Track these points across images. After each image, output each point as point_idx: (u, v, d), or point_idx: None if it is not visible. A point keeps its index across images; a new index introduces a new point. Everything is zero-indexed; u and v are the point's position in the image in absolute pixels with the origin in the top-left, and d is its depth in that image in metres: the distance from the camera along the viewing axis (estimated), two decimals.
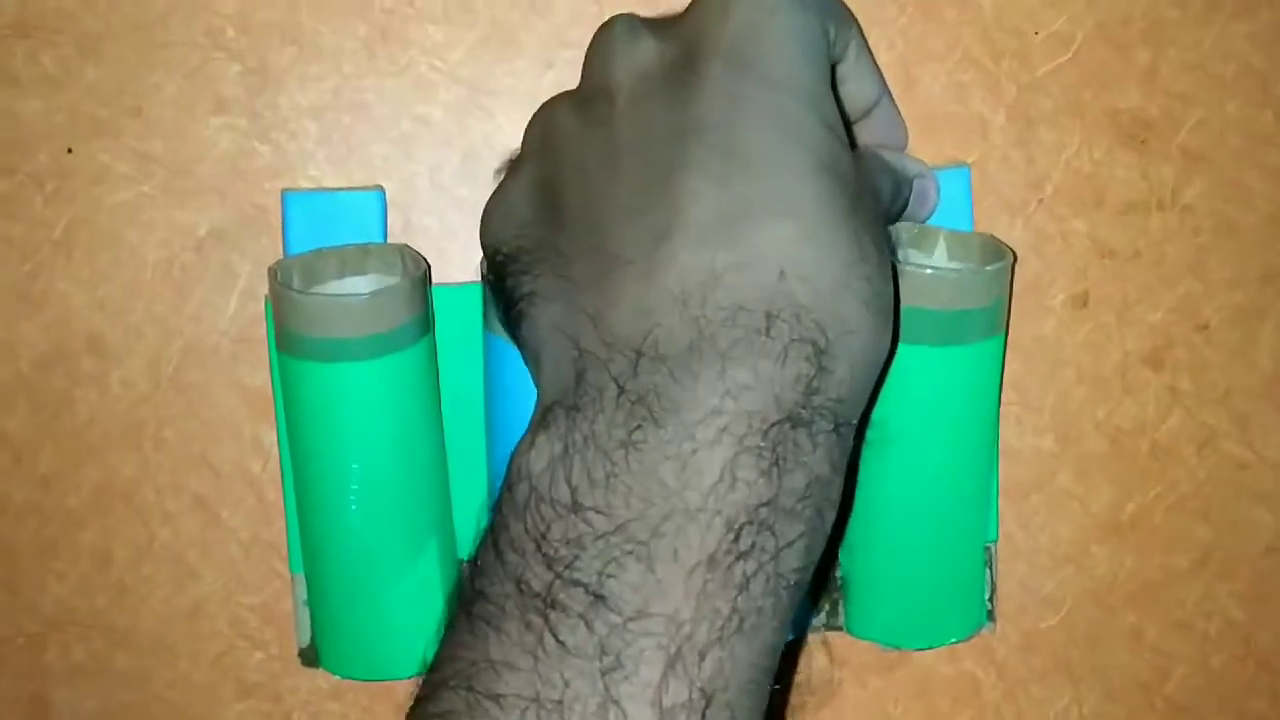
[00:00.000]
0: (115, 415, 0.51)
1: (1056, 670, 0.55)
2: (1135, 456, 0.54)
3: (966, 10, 0.51)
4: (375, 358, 0.44)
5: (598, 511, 0.33)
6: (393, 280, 0.46)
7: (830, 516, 0.35)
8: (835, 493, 0.36)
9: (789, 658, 0.53)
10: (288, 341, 0.45)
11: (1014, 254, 0.48)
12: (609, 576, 0.32)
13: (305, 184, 0.50)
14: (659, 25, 0.40)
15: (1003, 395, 0.52)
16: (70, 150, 0.49)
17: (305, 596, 0.50)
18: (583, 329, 0.36)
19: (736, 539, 0.32)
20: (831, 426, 0.34)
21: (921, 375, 0.47)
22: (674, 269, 0.35)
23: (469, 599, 0.35)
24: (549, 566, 0.33)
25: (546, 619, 0.33)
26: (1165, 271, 0.53)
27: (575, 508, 0.33)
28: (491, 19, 0.50)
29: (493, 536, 0.36)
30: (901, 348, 0.46)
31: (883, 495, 0.49)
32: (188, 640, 0.52)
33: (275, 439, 0.50)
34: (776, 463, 0.33)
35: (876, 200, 0.43)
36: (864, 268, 0.35)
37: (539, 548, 0.34)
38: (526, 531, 0.34)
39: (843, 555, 0.51)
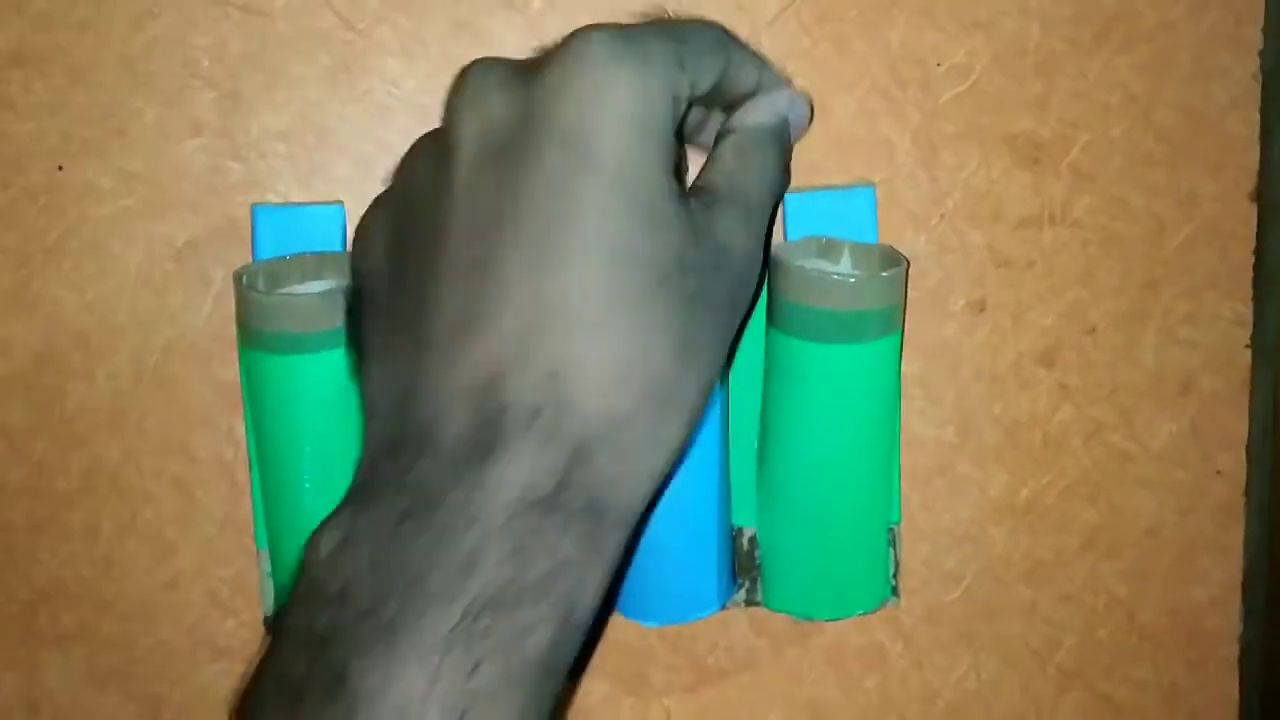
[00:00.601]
0: (102, 406, 0.56)
1: (957, 640, 0.60)
2: (1029, 446, 0.59)
3: (874, 43, 0.56)
4: (324, 351, 0.50)
5: (359, 598, 0.34)
6: (344, 284, 0.51)
7: (587, 599, 0.36)
8: (595, 576, 0.37)
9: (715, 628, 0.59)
10: (250, 337, 0.51)
11: (908, 261, 0.53)
12: (354, 659, 0.34)
13: (273, 199, 0.55)
14: (514, 76, 0.40)
15: (907, 390, 0.58)
16: (61, 168, 0.55)
17: (269, 569, 0.55)
18: (393, 406, 0.39)
19: (474, 621, 0.34)
20: (588, 514, 0.36)
21: (825, 371, 0.52)
22: (467, 363, 0.37)
23: (247, 691, 0.38)
24: (308, 654, 0.35)
25: (297, 710, 0.34)
26: (1056, 280, 0.58)
27: (342, 595, 0.35)
28: (441, 53, 0.55)
29: (276, 625, 0.38)
30: (807, 345, 0.52)
31: (794, 481, 0.55)
32: (167, 609, 0.58)
33: (244, 428, 0.55)
34: (519, 550, 0.34)
35: (716, 263, 0.41)
36: (649, 361, 0.37)
37: (306, 636, 0.35)
38: (301, 620, 0.36)
39: (760, 535, 0.56)
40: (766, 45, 0.55)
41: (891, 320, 0.53)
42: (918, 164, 0.57)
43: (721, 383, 0.53)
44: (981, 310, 0.58)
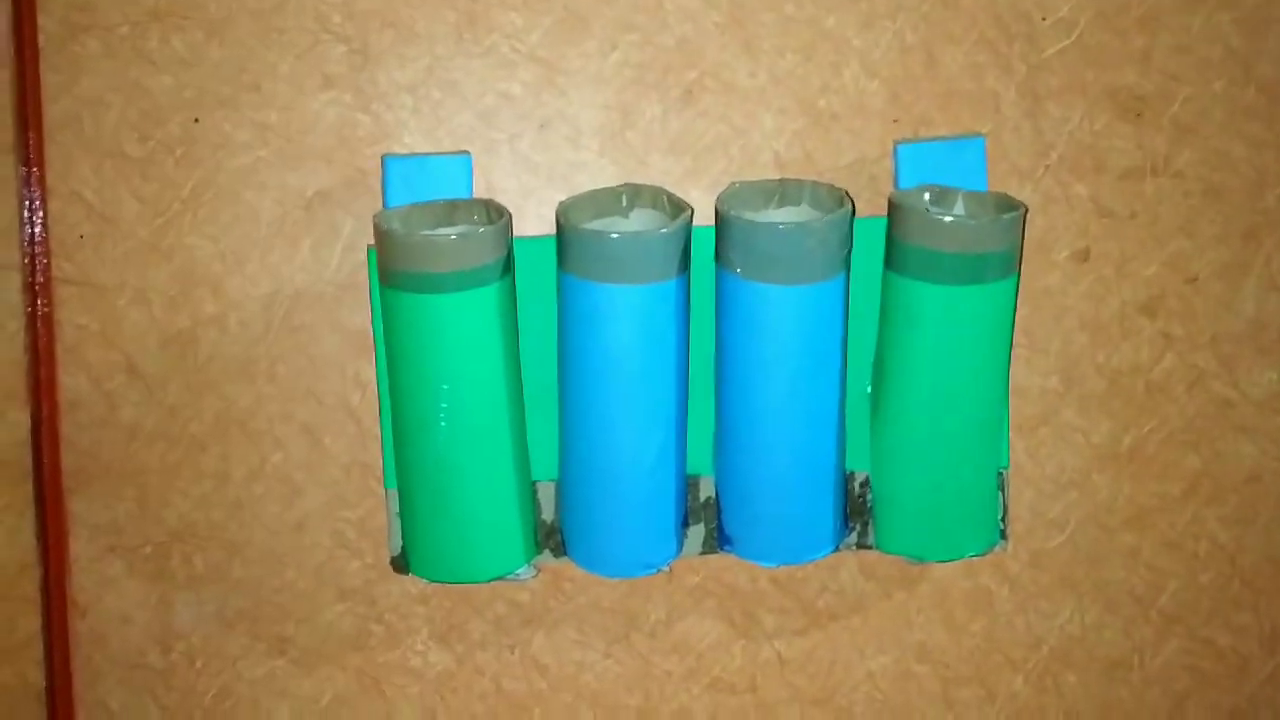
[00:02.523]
0: (233, 353, 0.58)
1: (1061, 585, 0.62)
2: (1132, 395, 0.60)
3: (981, 7, 0.58)
4: (463, 290, 0.52)
5: None
6: (478, 226, 0.53)
7: None
8: None
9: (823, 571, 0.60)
10: (390, 278, 0.52)
11: (1025, 207, 0.54)
12: None
13: (400, 150, 0.57)
14: None
15: (1014, 339, 0.59)
16: (197, 120, 0.57)
17: (397, 510, 0.57)
18: None
19: None
20: None
21: (943, 312, 0.54)
22: None
23: None
24: None
25: None
26: (1159, 230, 0.60)
27: None
28: (564, 5, 0.57)
29: None
30: (926, 287, 0.53)
31: (908, 424, 0.56)
32: (294, 551, 0.59)
33: (373, 374, 0.57)
34: None
35: None
36: None
37: None
38: None
39: (873, 479, 0.58)
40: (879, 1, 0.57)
41: (1009, 264, 0.54)
42: (1023, 116, 0.59)
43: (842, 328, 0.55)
44: (1085, 260, 0.60)
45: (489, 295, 0.53)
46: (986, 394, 0.56)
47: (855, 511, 0.58)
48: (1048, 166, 0.59)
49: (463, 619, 0.60)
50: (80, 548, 0.59)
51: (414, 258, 0.52)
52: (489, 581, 0.57)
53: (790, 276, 0.52)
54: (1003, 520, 0.59)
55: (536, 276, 0.55)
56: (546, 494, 0.57)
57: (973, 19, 0.58)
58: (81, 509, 0.58)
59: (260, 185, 0.57)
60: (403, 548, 0.57)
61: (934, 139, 0.57)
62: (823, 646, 0.61)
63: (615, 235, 0.51)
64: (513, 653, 0.60)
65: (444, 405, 0.53)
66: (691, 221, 0.53)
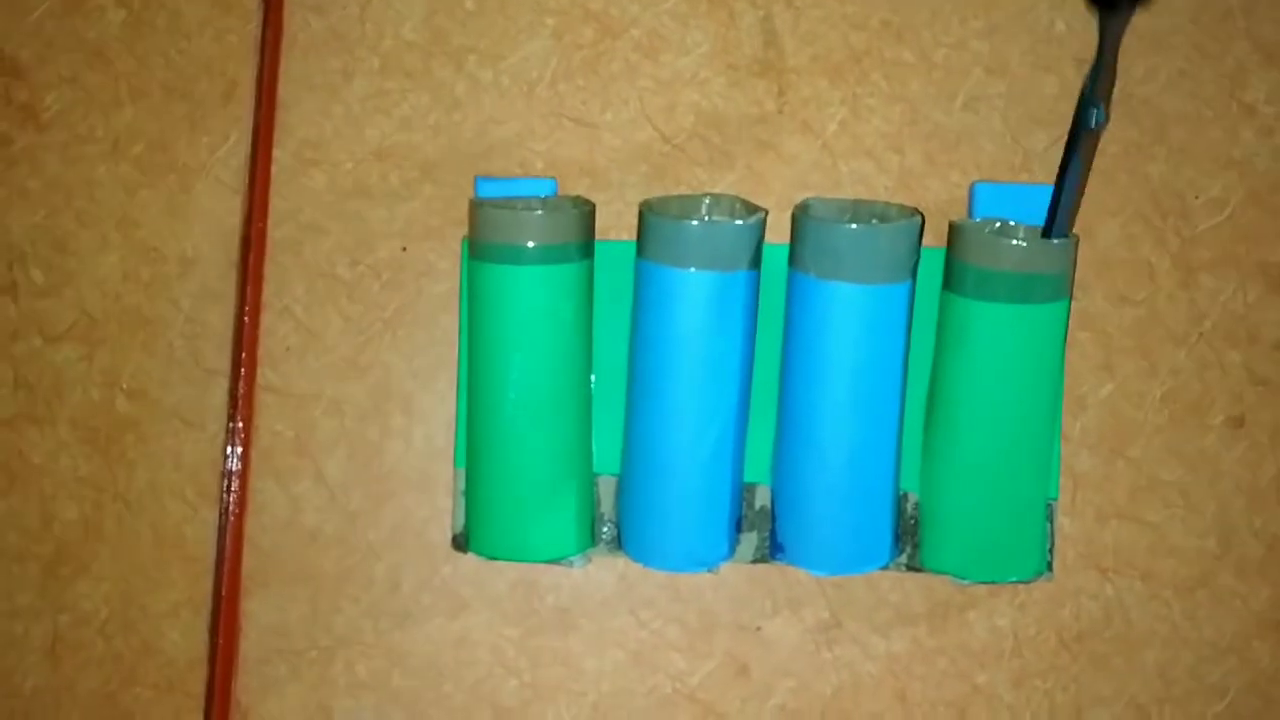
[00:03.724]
0: (415, 466, 0.61)
1: None
2: None
3: (1135, 177, 0.62)
4: (543, 264, 0.56)
5: None
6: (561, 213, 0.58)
7: None
8: None
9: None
10: (477, 250, 0.57)
11: (1078, 238, 0.57)
12: None
13: None
14: None
15: (1168, 498, 0.60)
16: (404, 249, 0.62)
17: (463, 488, 0.59)
18: None
19: None
20: None
21: (996, 329, 0.56)
22: None
23: None
24: None
25: None
26: None
27: None
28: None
29: None
30: (980, 305, 0.56)
31: (959, 443, 0.58)
32: (454, 665, 0.61)
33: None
34: None
35: None
36: None
37: None
38: None
39: (922, 498, 0.59)
40: (1038, 175, 0.61)
41: (1060, 286, 0.57)
42: (1177, 285, 0.61)
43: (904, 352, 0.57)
44: (1240, 426, 0.61)
45: (567, 273, 0.57)
46: (1036, 419, 0.58)
47: (906, 532, 0.59)
48: (1201, 334, 0.61)
49: None
50: (249, 648, 0.61)
51: (500, 229, 0.56)
52: (543, 563, 0.59)
53: (860, 275, 0.55)
54: (1050, 551, 0.59)
55: (616, 277, 0.59)
56: (607, 488, 0.60)
57: (1127, 195, 0.62)
58: (255, 609, 0.61)
59: (456, 310, 0.61)
60: (464, 526, 0.59)
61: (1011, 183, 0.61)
62: None
63: (694, 222, 0.56)
64: None
65: (514, 376, 0.57)
66: (765, 222, 0.57)
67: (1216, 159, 0.62)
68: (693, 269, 0.56)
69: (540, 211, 0.57)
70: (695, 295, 0.56)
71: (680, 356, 0.57)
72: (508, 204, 0.58)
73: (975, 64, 0.62)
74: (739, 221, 0.56)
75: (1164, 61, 0.61)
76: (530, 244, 0.56)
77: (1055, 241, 0.56)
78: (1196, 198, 0.62)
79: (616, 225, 0.61)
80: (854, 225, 0.56)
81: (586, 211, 0.58)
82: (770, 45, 0.62)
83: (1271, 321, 0.61)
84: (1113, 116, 0.54)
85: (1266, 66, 0.62)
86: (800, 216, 0.57)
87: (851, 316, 0.56)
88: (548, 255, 0.56)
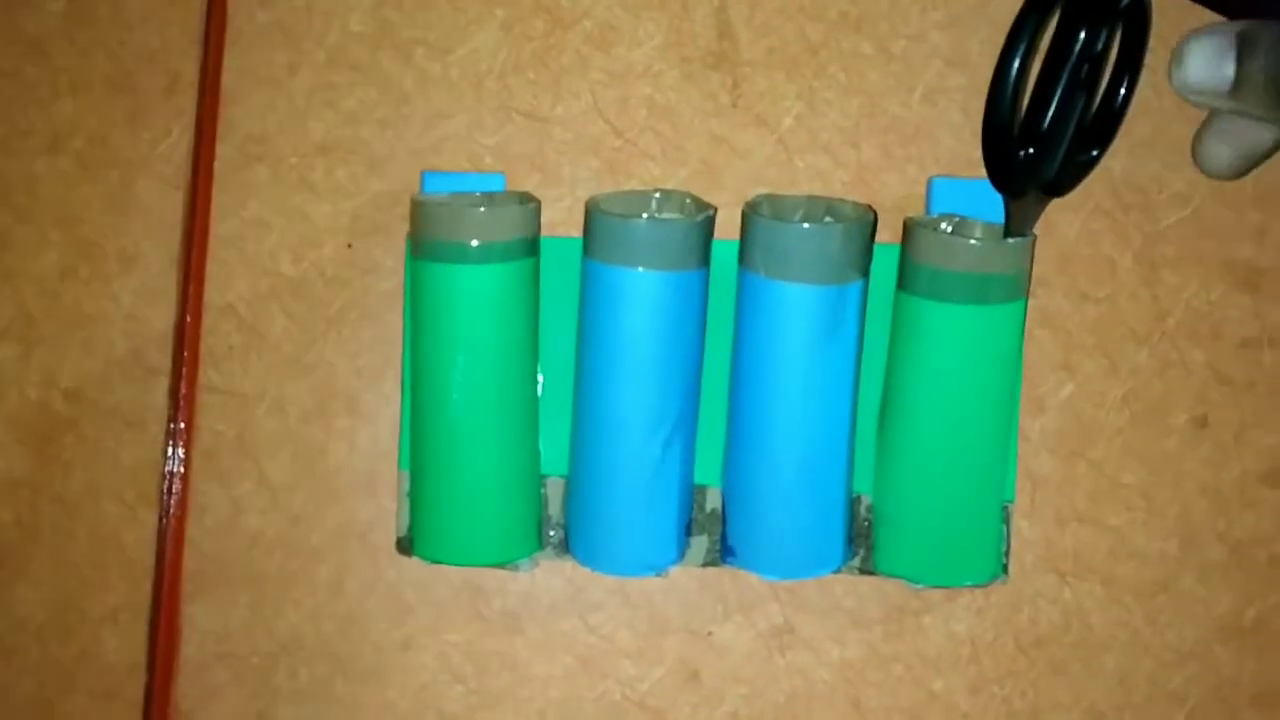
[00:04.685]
0: (360, 467, 0.60)
1: None
2: (1254, 566, 0.59)
3: (1097, 171, 0.60)
4: (487, 263, 0.54)
5: None
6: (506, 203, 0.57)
7: None
8: None
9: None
10: (420, 249, 0.55)
11: (1035, 236, 0.56)
12: None
13: None
14: None
15: (1130, 501, 0.59)
16: (350, 245, 0.60)
17: (407, 490, 0.58)
18: None
19: None
20: None
21: (950, 331, 0.55)
22: None
23: None
24: None
25: None
26: (1278, 400, 0.60)
27: None
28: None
29: None
30: (934, 305, 0.55)
31: (913, 445, 0.57)
32: (398, 671, 0.59)
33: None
34: None
35: None
36: None
37: None
38: None
39: (875, 500, 0.58)
40: None
41: (1017, 286, 0.55)
42: (1139, 282, 0.60)
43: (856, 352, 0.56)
44: (1204, 426, 0.60)
45: (511, 271, 0.55)
46: (992, 420, 0.57)
47: (860, 535, 0.58)
48: (1164, 332, 0.60)
49: None
50: (190, 653, 0.59)
51: (442, 227, 0.55)
52: (489, 567, 0.58)
53: (810, 276, 0.54)
54: (1005, 554, 0.58)
55: (564, 275, 0.58)
56: (555, 490, 0.58)
57: (1088, 190, 0.60)
58: (196, 613, 0.59)
59: (401, 310, 0.60)
60: (409, 529, 0.58)
61: (969, 178, 0.59)
62: None
63: (640, 220, 0.55)
64: None
65: (458, 378, 0.55)
66: (714, 220, 0.56)
67: (1180, 153, 0.60)
68: (640, 268, 0.54)
69: (483, 209, 0.56)
70: (642, 295, 0.55)
71: (628, 357, 0.55)
72: (450, 201, 0.57)
73: (934, 56, 0.60)
74: (685, 220, 0.55)
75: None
76: (473, 242, 0.55)
77: (1011, 241, 0.55)
78: (1160, 193, 0.60)
79: (567, 220, 0.60)
80: (804, 224, 0.55)
81: (532, 208, 0.57)
82: (725, 37, 0.61)
83: (1235, 319, 0.60)
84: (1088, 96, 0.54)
85: None
86: (749, 215, 0.55)
87: (801, 317, 0.54)
88: (491, 254, 0.55)
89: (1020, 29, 0.53)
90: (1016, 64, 0.53)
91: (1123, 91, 0.56)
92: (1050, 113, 0.54)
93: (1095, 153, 0.57)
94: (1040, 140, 0.55)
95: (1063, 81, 0.54)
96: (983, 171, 0.59)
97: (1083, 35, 0.54)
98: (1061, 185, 0.56)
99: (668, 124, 0.61)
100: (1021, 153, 0.55)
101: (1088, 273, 0.60)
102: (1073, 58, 0.54)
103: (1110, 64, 0.56)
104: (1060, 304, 0.60)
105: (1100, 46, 0.55)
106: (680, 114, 0.60)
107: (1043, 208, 0.56)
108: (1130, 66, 0.56)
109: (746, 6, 0.61)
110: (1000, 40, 0.58)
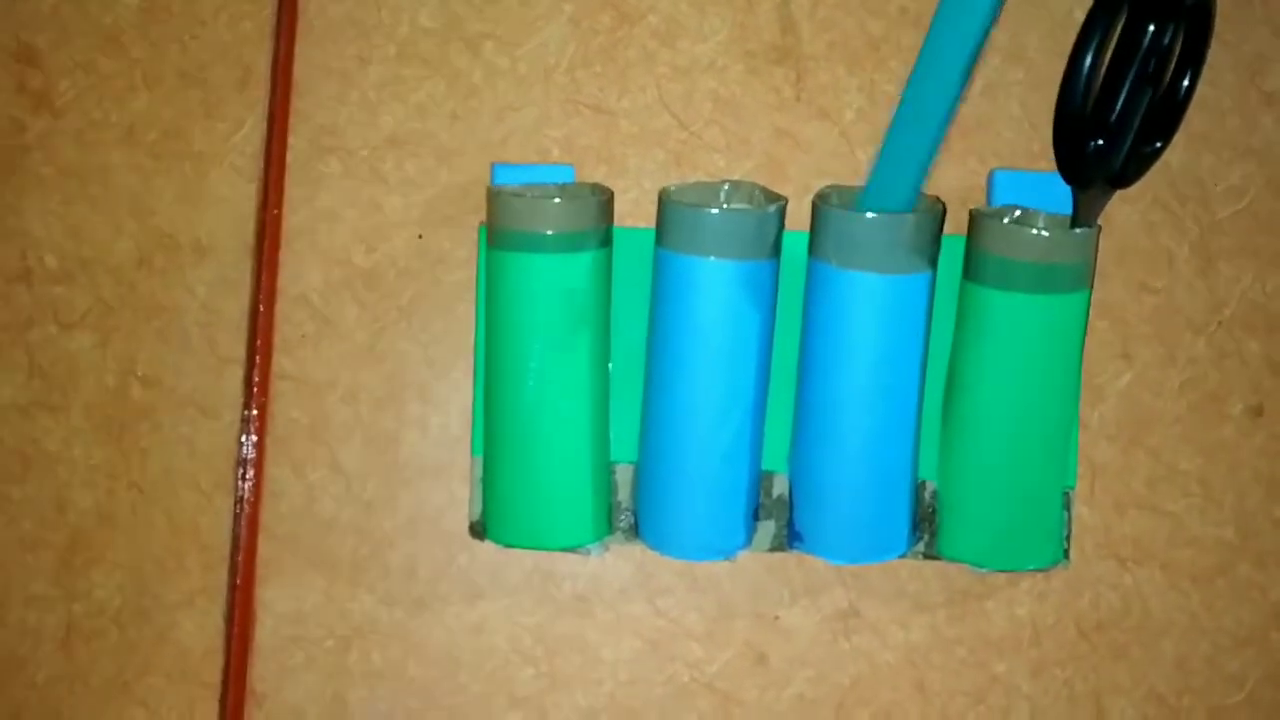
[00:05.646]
0: (432, 454, 0.61)
1: None
2: None
3: (1155, 172, 0.61)
4: (563, 252, 0.56)
5: None
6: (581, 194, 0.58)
7: None
8: None
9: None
10: (496, 238, 0.57)
11: (1100, 227, 0.57)
12: None
13: None
14: None
15: (1187, 487, 0.60)
16: (420, 236, 0.61)
17: (480, 475, 0.59)
18: None
19: None
20: None
21: (1016, 319, 0.56)
22: None
23: None
24: None
25: None
26: None
27: None
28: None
29: None
30: (1000, 294, 0.56)
31: (978, 432, 0.58)
32: (470, 654, 0.60)
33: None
34: None
35: None
36: None
37: None
38: None
39: (940, 486, 0.59)
40: None
41: (1081, 276, 0.57)
42: (1196, 274, 0.61)
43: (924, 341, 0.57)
44: (1259, 415, 0.61)
45: (585, 260, 0.56)
46: (1054, 408, 0.58)
47: (924, 520, 0.59)
48: (1220, 322, 0.61)
49: None
50: (264, 636, 0.60)
51: (518, 217, 0.56)
52: (560, 551, 0.59)
53: (881, 265, 0.55)
54: (1067, 539, 0.59)
55: (634, 264, 0.59)
56: (625, 476, 0.59)
57: (1147, 183, 0.61)
58: (271, 597, 0.60)
59: (473, 300, 0.61)
60: (482, 514, 0.59)
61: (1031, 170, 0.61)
62: None
63: (714, 210, 0.56)
64: None
65: (533, 365, 0.56)
66: (785, 210, 0.57)
67: (1236, 147, 0.61)
68: (712, 257, 0.55)
69: (559, 199, 0.57)
70: (714, 284, 0.56)
71: (699, 346, 0.56)
72: (526, 191, 0.58)
73: (992, 51, 0.61)
74: (758, 210, 0.56)
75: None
76: (549, 231, 0.56)
77: (1077, 231, 0.56)
78: (1216, 185, 0.62)
79: (634, 212, 0.61)
80: (874, 215, 0.56)
81: (605, 199, 0.58)
82: (788, 32, 0.62)
83: None
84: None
85: None
86: (820, 205, 0.56)
87: (871, 306, 0.55)
88: (566, 243, 0.56)
89: (1092, 25, 0.54)
90: (1089, 59, 0.53)
91: (1185, 85, 0.57)
92: (1119, 106, 0.55)
93: (1159, 144, 0.58)
94: (1108, 132, 0.56)
95: (1130, 76, 0.55)
96: (1043, 164, 0.60)
97: (1150, 31, 0.55)
98: (1126, 176, 0.57)
99: (732, 117, 0.62)
100: (1091, 144, 0.56)
101: (1145, 264, 0.61)
102: (1140, 52, 0.55)
103: (1174, 59, 0.58)
104: (1119, 295, 0.61)
105: (1166, 42, 0.56)
106: (744, 107, 0.62)
107: (1108, 199, 0.57)
108: (1193, 62, 0.57)
109: (809, 2, 0.62)
110: (1058, 35, 0.60)
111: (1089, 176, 0.56)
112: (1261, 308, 0.61)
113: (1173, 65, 0.57)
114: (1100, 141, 0.55)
